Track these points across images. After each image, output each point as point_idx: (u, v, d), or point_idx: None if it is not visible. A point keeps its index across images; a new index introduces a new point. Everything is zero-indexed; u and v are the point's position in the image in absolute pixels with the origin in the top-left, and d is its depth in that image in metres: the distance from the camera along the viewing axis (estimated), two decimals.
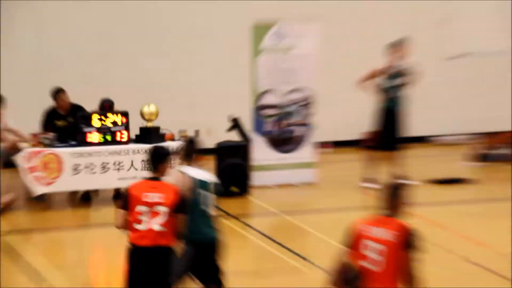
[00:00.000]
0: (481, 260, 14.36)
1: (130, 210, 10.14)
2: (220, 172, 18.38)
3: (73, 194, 18.24)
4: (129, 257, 10.33)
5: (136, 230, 10.15)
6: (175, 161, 11.63)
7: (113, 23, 22.39)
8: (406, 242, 8.76)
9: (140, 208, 10.08)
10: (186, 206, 10.64)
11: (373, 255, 9.00)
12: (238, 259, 14.59)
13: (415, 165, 19.77)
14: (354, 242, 9.10)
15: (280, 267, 14.62)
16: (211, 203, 11.04)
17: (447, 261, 14.60)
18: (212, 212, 11.04)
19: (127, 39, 22.35)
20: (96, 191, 18.34)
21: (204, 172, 11.24)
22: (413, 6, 23.27)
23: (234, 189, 18.50)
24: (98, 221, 17.57)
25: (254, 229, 16.84)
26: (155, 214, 10.09)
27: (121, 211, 10.35)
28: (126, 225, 10.26)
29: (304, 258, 14.30)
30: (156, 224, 10.14)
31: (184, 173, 10.86)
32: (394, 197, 8.99)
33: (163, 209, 10.08)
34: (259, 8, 20.68)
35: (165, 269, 10.65)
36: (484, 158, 21.37)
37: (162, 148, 11.13)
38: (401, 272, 8.96)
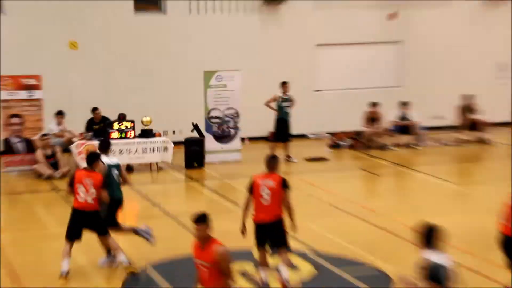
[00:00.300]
0: (333, 201, 16.68)
1: (74, 187, 12.06)
2: (187, 154, 20.26)
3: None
4: (71, 216, 12.36)
5: (78, 200, 12.11)
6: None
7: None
8: (283, 185, 11.17)
9: (80, 186, 11.91)
10: (105, 182, 12.27)
11: (265, 195, 11.16)
12: (197, 204, 16.77)
13: (297, 150, 21.36)
14: (255, 191, 11.26)
15: (222, 209, 15.99)
16: (117, 176, 12.89)
17: (312, 201, 16.98)
18: (118, 181, 12.89)
19: (133, 73, 22.71)
20: None
21: (113, 158, 13.28)
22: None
23: (195, 164, 20.15)
24: None
25: (207, 187, 18.93)
26: (88, 190, 11.91)
27: (69, 188, 12.41)
28: (72, 193, 12.26)
29: (236, 204, 15.53)
30: (89, 197, 11.96)
31: (102, 161, 12.55)
32: (274, 162, 11.58)
33: (92, 187, 11.89)
34: (210, 61, 21.86)
35: (97, 222, 12.26)
36: (334, 146, 23.01)
37: (94, 153, 12.84)
38: (282, 203, 11.20)
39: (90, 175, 12.10)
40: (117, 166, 13.08)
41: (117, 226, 12.84)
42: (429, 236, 7.88)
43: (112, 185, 12.69)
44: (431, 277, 7.56)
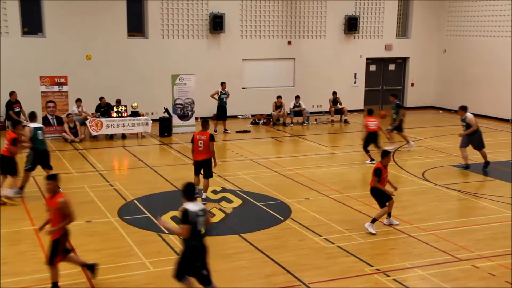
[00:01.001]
0: (253, 158, 16.44)
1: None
2: (160, 127, 19.78)
3: (106, 135, 19.22)
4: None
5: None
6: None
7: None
8: (210, 139, 11.43)
9: (4, 140, 11.91)
10: (30, 139, 12.04)
11: (200, 144, 11.60)
12: (166, 160, 16.95)
13: (230, 126, 20.99)
14: (194, 142, 11.59)
15: (182, 162, 15.89)
16: (43, 136, 12.43)
17: (240, 158, 16.79)
18: (43, 140, 12.46)
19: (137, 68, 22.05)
20: (114, 135, 19.24)
21: (38, 124, 12.57)
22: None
23: (166, 134, 19.73)
24: (113, 145, 18.48)
25: (173, 148, 18.22)
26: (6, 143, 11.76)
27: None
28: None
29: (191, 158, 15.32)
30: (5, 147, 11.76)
31: (28, 126, 12.27)
32: (206, 124, 11.74)
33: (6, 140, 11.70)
34: (175, 68, 21.19)
35: (7, 164, 11.79)
36: (254, 123, 22.44)
37: (17, 120, 12.72)
38: (209, 149, 11.40)
39: (7, 133, 12.25)
40: (41, 128, 12.71)
41: (29, 171, 12.50)
42: (187, 191, 7.12)
43: (36, 141, 12.37)
44: (182, 220, 6.98)
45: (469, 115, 14.92)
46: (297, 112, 23.19)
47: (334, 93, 24.04)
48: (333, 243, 9.65)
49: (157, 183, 13.62)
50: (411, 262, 9.01)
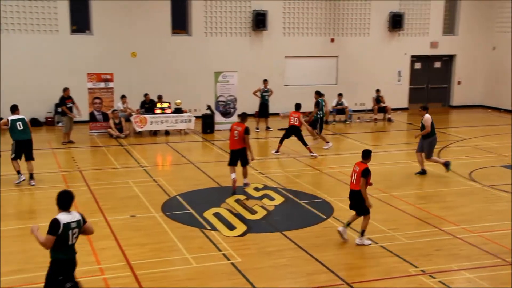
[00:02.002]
0: (294, 155, 16.34)
1: None
2: (203, 124, 19.87)
3: (150, 132, 19.44)
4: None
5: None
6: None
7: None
8: (245, 131, 12.10)
9: None
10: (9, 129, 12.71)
11: (236, 134, 12.15)
12: (207, 156, 17.22)
13: (272, 123, 20.73)
14: (231, 131, 12.24)
15: (224, 159, 15.75)
16: (20, 125, 12.81)
17: (281, 155, 16.49)
18: (24, 129, 12.82)
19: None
20: (157, 131, 19.42)
21: (18, 116, 12.93)
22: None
23: (208, 130, 19.86)
24: (157, 141, 18.75)
25: (216, 145, 18.27)
26: None
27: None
28: None
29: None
30: None
31: (7, 119, 12.86)
32: (244, 117, 12.46)
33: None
34: (218, 65, 21.29)
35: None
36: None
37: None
38: (244, 140, 12.17)
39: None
40: (21, 119, 13.08)
41: (15, 160, 13.05)
42: (60, 200, 6.58)
43: (14, 132, 12.95)
44: (48, 230, 6.30)
45: (427, 116, 13.92)
46: (340, 110, 23.04)
47: (378, 91, 23.74)
48: (376, 243, 9.49)
49: (199, 180, 13.68)
50: (458, 264, 8.77)
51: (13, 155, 13.02)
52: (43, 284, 6.49)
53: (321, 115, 17.79)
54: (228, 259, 8.80)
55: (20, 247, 9.29)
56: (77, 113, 18.33)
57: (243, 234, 9.97)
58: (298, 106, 16.57)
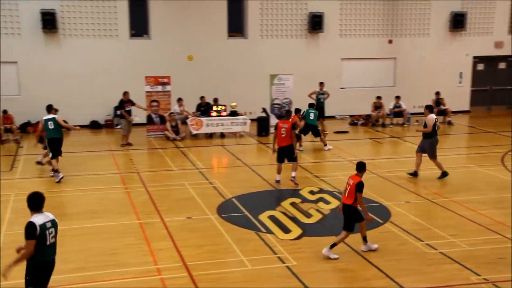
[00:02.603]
0: (350, 159, 16.27)
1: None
2: (258, 127, 20.04)
3: (206, 134, 19.68)
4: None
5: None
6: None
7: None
8: (292, 126, 12.62)
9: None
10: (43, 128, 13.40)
11: (283, 132, 12.72)
12: (264, 159, 17.01)
13: (328, 126, 20.43)
14: (278, 129, 12.60)
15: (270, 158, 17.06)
16: (51, 124, 13.36)
17: (338, 159, 16.53)
18: (55, 129, 13.40)
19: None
20: (213, 134, 19.72)
21: (51, 115, 13.51)
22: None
23: (264, 133, 19.91)
24: (212, 143, 18.95)
25: (271, 148, 17.08)
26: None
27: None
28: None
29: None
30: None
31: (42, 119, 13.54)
32: (288, 114, 12.91)
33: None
34: (274, 68, 21.29)
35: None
36: (352, 124, 22.27)
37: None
38: (291, 136, 12.67)
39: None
40: (53, 119, 13.69)
41: (53, 159, 13.74)
42: (31, 202, 6.38)
43: (47, 130, 13.66)
44: (26, 234, 6.19)
45: (430, 116, 13.74)
46: (397, 112, 22.68)
47: (437, 93, 23.27)
48: (436, 249, 9.27)
49: (254, 182, 13.72)
50: None
51: (50, 154, 13.74)
52: (102, 283, 6.67)
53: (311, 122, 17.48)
54: (283, 262, 8.76)
55: (80, 246, 9.53)
56: (143, 109, 19.15)
57: (299, 238, 9.94)
58: (296, 111, 16.84)
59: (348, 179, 9.06)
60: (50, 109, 14.03)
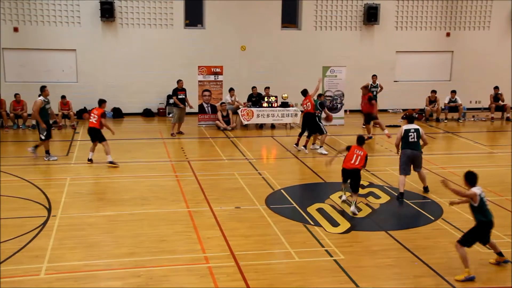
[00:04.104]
0: None
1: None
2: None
3: (256, 125, 19.88)
4: None
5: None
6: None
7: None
8: (365, 160, 10.61)
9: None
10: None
11: (356, 159, 10.74)
12: (312, 151, 16.43)
13: (382, 120, 18.99)
14: (350, 151, 10.74)
15: (329, 154, 16.16)
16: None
17: (388, 154, 16.52)
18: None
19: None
20: (263, 124, 19.83)
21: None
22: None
23: None
24: (262, 134, 18.93)
25: (320, 140, 17.56)
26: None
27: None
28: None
29: (335, 151, 16.23)
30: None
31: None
32: (362, 141, 10.80)
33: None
34: (327, 60, 21.26)
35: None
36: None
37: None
38: (362, 162, 10.76)
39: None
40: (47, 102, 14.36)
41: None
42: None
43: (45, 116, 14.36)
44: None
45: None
46: (453, 107, 22.21)
47: (496, 88, 22.60)
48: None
49: (304, 174, 13.68)
50: None
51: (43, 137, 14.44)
52: (151, 268, 6.71)
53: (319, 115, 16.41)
54: (331, 256, 8.71)
55: (131, 231, 9.66)
56: (188, 107, 18.97)
57: (347, 231, 9.84)
58: (304, 92, 16.46)
59: (354, 149, 10.77)
60: (101, 104, 14.56)
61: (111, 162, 14.05)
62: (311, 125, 15.97)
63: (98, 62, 21.66)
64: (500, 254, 8.48)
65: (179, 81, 18.72)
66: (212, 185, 12.61)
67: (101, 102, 14.43)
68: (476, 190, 7.85)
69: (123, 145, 16.52)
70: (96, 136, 14.22)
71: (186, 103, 18.75)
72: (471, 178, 7.99)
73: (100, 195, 11.85)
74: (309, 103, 16.04)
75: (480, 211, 7.86)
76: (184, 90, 18.67)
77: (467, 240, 8.05)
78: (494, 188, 12.55)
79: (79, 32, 21.43)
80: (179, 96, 18.56)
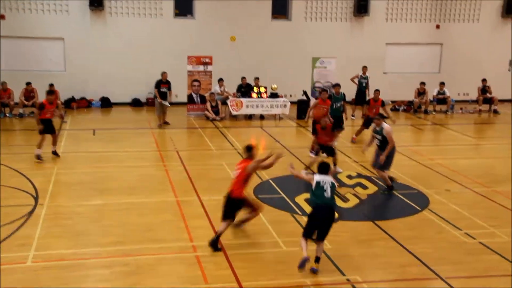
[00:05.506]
0: None
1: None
2: (298, 110, 19.85)
3: (245, 115, 19.84)
4: None
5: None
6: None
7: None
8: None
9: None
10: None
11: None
12: (303, 142, 16.82)
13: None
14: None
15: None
16: None
17: None
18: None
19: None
20: (252, 115, 19.85)
21: None
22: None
23: (303, 116, 18.40)
24: (251, 125, 19.06)
25: (310, 131, 17.41)
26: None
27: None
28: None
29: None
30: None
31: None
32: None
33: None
34: (316, 51, 21.38)
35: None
36: (394, 109, 21.96)
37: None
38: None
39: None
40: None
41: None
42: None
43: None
44: None
45: (386, 126, 11.35)
46: (441, 99, 22.29)
47: (484, 80, 22.72)
48: (475, 239, 9.09)
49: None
50: None
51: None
52: (139, 257, 6.71)
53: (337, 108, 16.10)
54: None
55: (119, 220, 9.67)
56: (167, 101, 18.43)
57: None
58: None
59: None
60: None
61: (54, 152, 13.78)
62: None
63: (86, 51, 21.45)
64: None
65: (163, 73, 18.51)
66: (201, 175, 12.57)
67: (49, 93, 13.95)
68: (316, 176, 7.94)
69: (112, 134, 16.49)
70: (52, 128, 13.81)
71: (166, 99, 18.29)
72: (322, 168, 8.08)
73: (88, 185, 11.74)
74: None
75: (312, 194, 7.93)
76: (167, 83, 18.44)
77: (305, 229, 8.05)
78: (481, 179, 12.69)
79: (67, 21, 21.22)
80: (161, 89, 18.34)
